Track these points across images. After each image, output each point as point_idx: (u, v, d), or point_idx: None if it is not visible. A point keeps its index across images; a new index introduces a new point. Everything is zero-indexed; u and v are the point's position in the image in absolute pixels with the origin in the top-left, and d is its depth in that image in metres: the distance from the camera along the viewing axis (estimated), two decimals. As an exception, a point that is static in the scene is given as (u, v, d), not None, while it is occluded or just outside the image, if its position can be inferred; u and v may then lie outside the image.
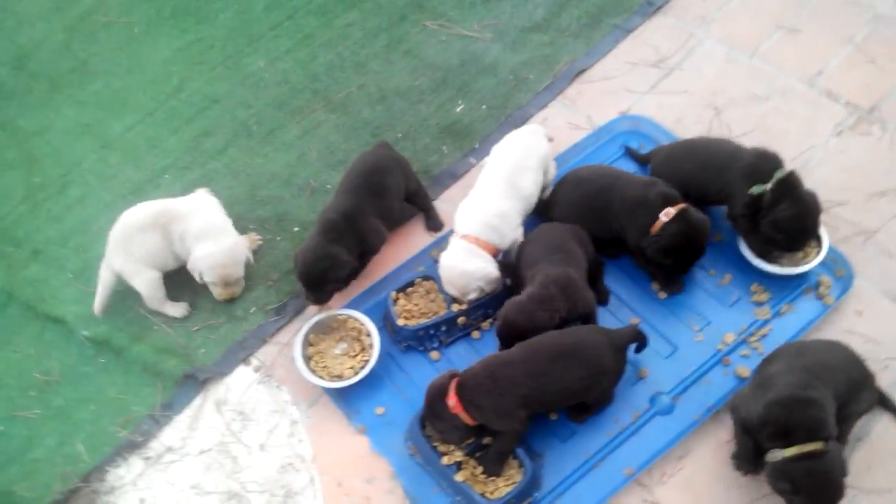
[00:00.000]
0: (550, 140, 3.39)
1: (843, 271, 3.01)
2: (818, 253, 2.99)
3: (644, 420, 2.79)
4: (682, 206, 2.91)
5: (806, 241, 2.96)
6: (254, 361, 3.16)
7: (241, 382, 3.11)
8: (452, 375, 2.68)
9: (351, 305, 3.19)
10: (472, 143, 3.73)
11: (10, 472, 2.96)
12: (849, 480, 2.39)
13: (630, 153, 3.50)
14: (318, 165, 3.74)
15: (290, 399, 3.04)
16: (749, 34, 3.86)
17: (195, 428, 3.00)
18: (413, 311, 3.12)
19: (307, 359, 3.02)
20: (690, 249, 2.93)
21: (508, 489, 2.63)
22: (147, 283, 3.24)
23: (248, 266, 3.33)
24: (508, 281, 3.09)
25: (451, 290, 3.02)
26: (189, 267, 3.22)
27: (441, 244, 3.30)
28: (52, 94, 4.22)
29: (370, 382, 2.97)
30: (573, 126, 3.69)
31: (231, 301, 3.28)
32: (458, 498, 2.67)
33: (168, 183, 3.76)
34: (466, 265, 2.95)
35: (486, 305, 3.05)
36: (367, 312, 3.14)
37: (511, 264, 3.09)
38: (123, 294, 3.37)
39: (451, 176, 3.62)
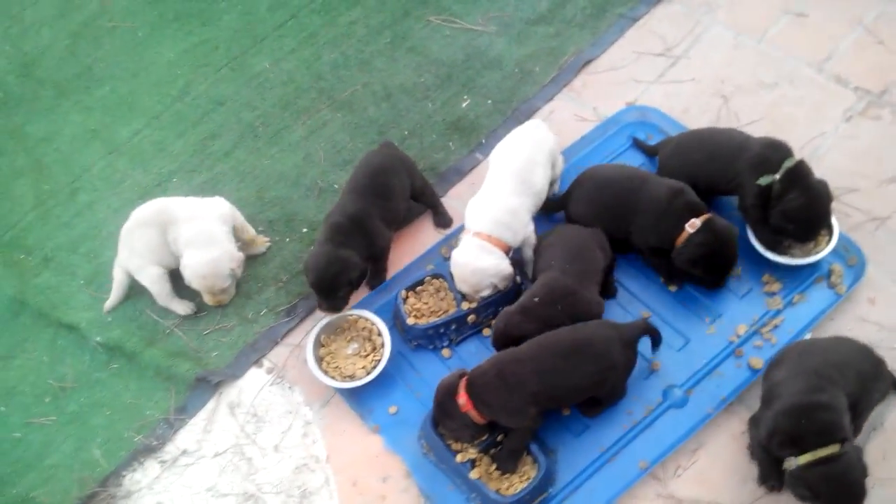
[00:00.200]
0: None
1: (856, 259, 2.98)
2: (829, 242, 2.96)
3: (657, 413, 2.77)
4: (707, 216, 2.87)
5: (817, 231, 2.93)
6: (266, 363, 3.17)
7: (253, 384, 3.12)
8: (461, 374, 2.68)
9: (361, 305, 3.19)
10: (478, 138, 3.72)
11: (28, 478, 2.99)
12: (863, 470, 2.37)
13: (638, 144, 3.47)
14: (325, 165, 3.74)
15: (303, 400, 3.04)
16: (756, 19, 3.82)
17: (209, 431, 3.02)
18: (423, 309, 3.11)
19: (319, 360, 3.03)
20: (719, 260, 2.89)
21: (523, 485, 2.63)
22: (151, 278, 3.27)
23: (243, 273, 3.34)
24: (519, 279, 3.08)
25: (464, 288, 3.02)
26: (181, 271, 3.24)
27: (450, 241, 3.31)
28: (58, 101, 4.24)
29: (382, 382, 2.98)
30: (580, 118, 3.67)
31: (220, 306, 3.31)
32: (473, 495, 2.67)
33: (176, 187, 3.77)
34: (479, 262, 2.95)
35: (497, 303, 3.03)
36: (378, 312, 3.14)
37: (521, 262, 3.08)
38: (135, 299, 3.40)
39: (458, 172, 3.61)
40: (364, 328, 3.10)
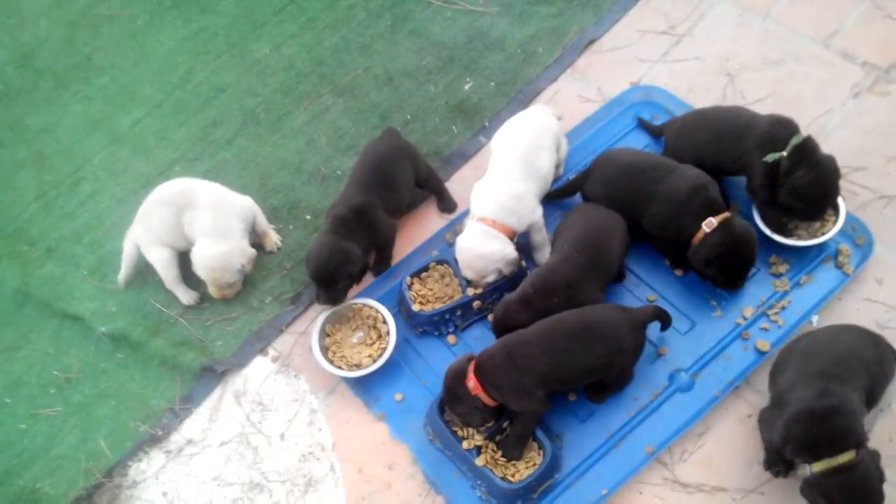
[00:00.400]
0: (559, 118, 3.33)
1: (863, 239, 2.94)
2: (835, 222, 2.92)
3: (664, 397, 2.76)
4: (725, 215, 2.81)
5: (826, 208, 2.89)
6: (271, 352, 3.16)
7: (259, 373, 3.11)
8: (470, 358, 2.67)
9: (365, 293, 3.18)
10: (481, 121, 3.68)
11: (34, 469, 3.00)
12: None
13: (643, 124, 3.43)
14: (328, 151, 3.71)
15: (309, 388, 3.04)
16: (761, -5, 3.76)
17: (215, 420, 3.02)
18: (428, 295, 3.10)
19: (325, 349, 3.02)
20: (734, 262, 2.82)
21: (529, 471, 2.62)
22: (160, 260, 3.27)
23: (254, 268, 3.32)
24: (525, 263, 3.05)
25: (469, 273, 2.99)
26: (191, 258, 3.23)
27: (455, 226, 3.28)
28: (58, 91, 4.21)
29: (388, 369, 2.96)
30: (584, 99, 3.62)
31: (224, 299, 3.29)
32: (479, 482, 2.67)
33: (178, 175, 3.70)
34: (484, 247, 2.92)
35: (502, 289, 3.01)
36: (382, 299, 3.13)
37: (528, 247, 3.06)
38: (139, 288, 3.39)
39: (462, 156, 3.58)
40: (369, 316, 3.09)
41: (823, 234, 2.91)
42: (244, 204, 3.32)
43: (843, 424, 2.26)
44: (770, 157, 2.86)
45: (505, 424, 2.73)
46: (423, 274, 3.17)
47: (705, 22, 3.73)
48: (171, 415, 3.04)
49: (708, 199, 2.85)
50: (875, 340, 2.53)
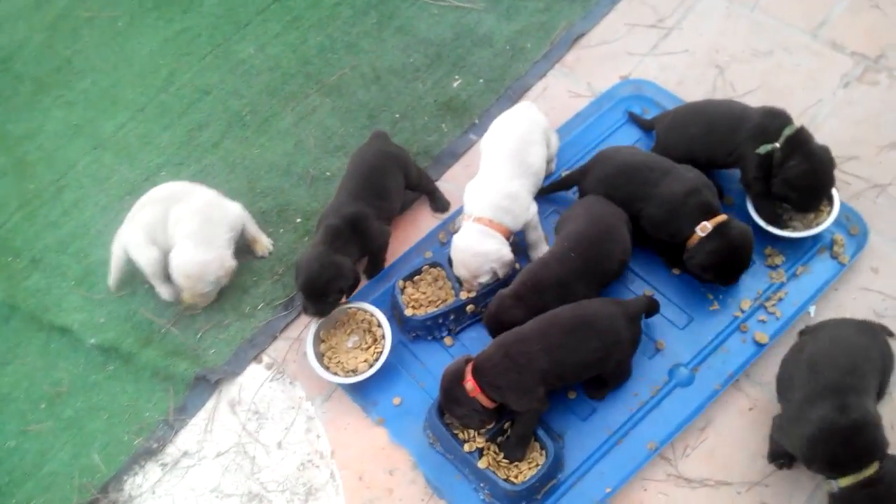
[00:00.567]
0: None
1: (858, 228, 2.94)
2: (830, 213, 2.91)
3: (664, 393, 2.75)
4: (720, 219, 2.78)
5: (821, 198, 2.88)
6: (265, 359, 3.12)
7: (253, 381, 3.07)
8: (467, 360, 2.64)
9: (359, 296, 3.13)
10: (471, 119, 3.64)
11: (26, 487, 2.94)
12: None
13: (634, 119, 3.41)
14: (317, 152, 3.66)
15: (305, 395, 3.00)
16: (749, -15, 3.75)
17: (210, 430, 2.97)
18: (421, 299, 3.06)
19: (320, 356, 2.98)
20: (731, 266, 2.81)
21: (532, 472, 2.60)
22: (147, 259, 3.20)
23: (238, 266, 3.26)
24: (518, 266, 3.02)
25: (462, 273, 2.96)
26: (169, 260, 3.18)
27: (448, 226, 3.25)
28: (38, 96, 4.14)
29: (385, 373, 2.93)
30: (574, 94, 3.60)
31: (192, 310, 3.22)
32: (482, 484, 2.64)
33: (165, 180, 3.63)
34: (480, 246, 2.89)
35: (495, 291, 2.97)
36: (376, 302, 3.09)
37: (525, 247, 3.05)
38: (128, 298, 3.34)
39: (453, 155, 3.54)
40: (363, 320, 3.05)
41: (818, 224, 2.90)
42: (235, 212, 3.26)
43: (867, 440, 2.23)
44: (763, 149, 2.85)
45: (506, 426, 2.70)
46: (416, 277, 3.13)
47: (693, 14, 3.71)
48: (166, 426, 2.99)
49: (702, 203, 2.82)
50: (872, 332, 2.52)
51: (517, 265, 3.02)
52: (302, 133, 3.75)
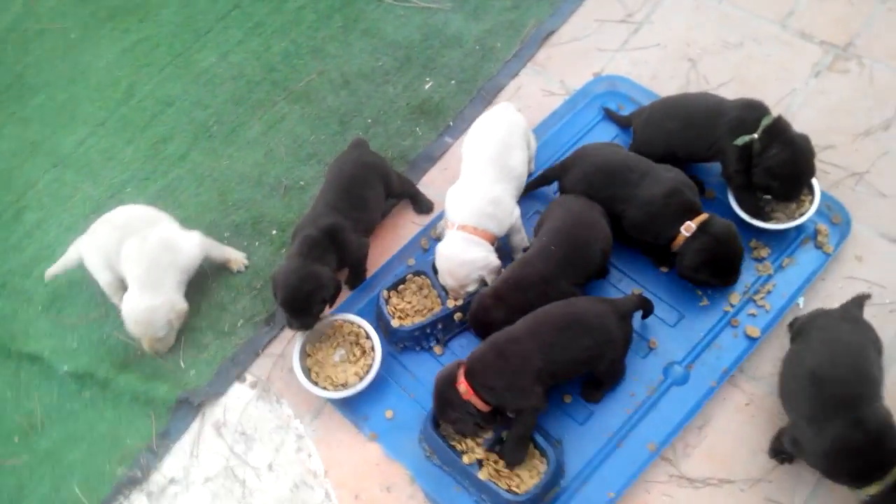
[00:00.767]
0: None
1: (839, 217, 2.96)
2: (811, 202, 2.93)
3: (660, 392, 2.73)
4: (702, 217, 2.77)
5: (802, 186, 2.89)
6: (248, 377, 3.02)
7: (238, 401, 2.97)
8: (459, 364, 2.58)
9: (344, 307, 3.06)
10: (445, 121, 3.59)
11: (5, 526, 2.81)
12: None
13: (609, 115, 3.39)
14: (288, 161, 3.57)
15: (293, 413, 2.91)
16: (715, -22, 3.76)
17: (196, 455, 2.86)
18: (407, 309, 2.99)
19: (307, 371, 2.89)
20: (723, 262, 2.79)
21: (534, 480, 2.55)
22: (104, 282, 3.11)
23: (214, 283, 3.19)
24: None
25: (449, 281, 2.90)
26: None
27: (429, 232, 3.20)
28: (-10, 114, 3.97)
29: (375, 386, 2.85)
30: (547, 93, 3.57)
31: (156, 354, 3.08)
32: (483, 496, 2.59)
33: (131, 196, 3.55)
34: (467, 254, 2.84)
35: (482, 297, 2.94)
36: (361, 313, 3.02)
37: (506, 251, 3.00)
38: (100, 321, 3.21)
39: (429, 159, 3.48)
40: (350, 332, 2.97)
41: (801, 215, 2.91)
42: (188, 252, 3.09)
43: (888, 447, 2.22)
44: (741, 140, 2.85)
45: (504, 434, 2.65)
46: (401, 287, 3.05)
47: (662, 8, 3.71)
48: (149, 453, 2.87)
49: (683, 203, 2.80)
50: (856, 320, 2.52)
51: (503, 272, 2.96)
52: (272, 142, 3.65)
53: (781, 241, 2.94)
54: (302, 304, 2.82)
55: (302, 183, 3.48)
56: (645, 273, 2.98)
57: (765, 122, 2.84)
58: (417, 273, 3.06)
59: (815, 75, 3.37)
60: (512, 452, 2.60)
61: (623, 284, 2.97)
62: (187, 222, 3.38)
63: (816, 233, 2.94)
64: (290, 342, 3.03)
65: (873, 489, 2.23)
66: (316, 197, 3.08)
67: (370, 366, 2.86)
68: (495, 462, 2.62)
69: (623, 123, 3.34)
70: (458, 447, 2.65)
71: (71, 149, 3.79)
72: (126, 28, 4.21)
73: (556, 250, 2.75)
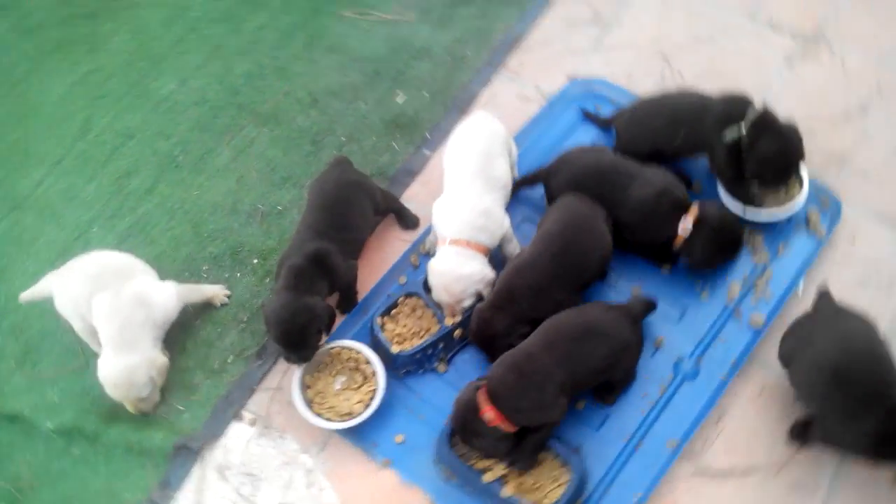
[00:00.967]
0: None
1: (828, 200, 3.00)
2: (801, 187, 2.96)
3: (672, 389, 2.70)
4: (694, 210, 2.79)
5: (794, 172, 2.91)
6: (246, 415, 2.88)
7: (238, 441, 2.83)
8: (476, 388, 2.50)
9: (338, 334, 2.94)
10: (421, 134, 3.52)
11: None
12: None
13: (589, 117, 3.37)
14: (262, 186, 3.44)
15: (299, 447, 2.79)
16: (680, -28, 3.78)
17: (201, 502, 2.72)
18: (404, 333, 2.90)
19: (308, 402, 2.78)
20: (730, 243, 2.84)
21: (560, 490, 2.49)
22: (76, 326, 2.93)
23: (199, 321, 3.04)
24: None
25: (446, 298, 2.82)
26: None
27: (418, 247, 3.12)
28: (-64, 161, 3.73)
29: (381, 411, 2.75)
30: (523, 99, 3.53)
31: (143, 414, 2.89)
32: (509, 513, 2.52)
33: (98, 237, 3.37)
34: (462, 269, 2.77)
35: (480, 311, 2.88)
36: (357, 337, 2.92)
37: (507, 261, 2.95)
38: (80, 372, 3.02)
39: (409, 173, 3.40)
40: (349, 359, 2.86)
41: (791, 202, 2.93)
42: (163, 306, 2.89)
43: None
44: (730, 134, 2.86)
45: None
46: (394, 311, 2.95)
47: (630, 7, 3.72)
48: (151, 506, 2.72)
49: (674, 201, 2.82)
50: (853, 315, 2.52)
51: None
52: (242, 168, 3.52)
53: (774, 228, 2.96)
54: (298, 339, 2.71)
55: (279, 208, 3.36)
56: (643, 271, 2.96)
57: (751, 114, 2.85)
58: (409, 294, 2.97)
59: (789, 65, 3.42)
60: (526, 457, 2.54)
61: (621, 284, 2.94)
62: (162, 258, 3.25)
63: (808, 218, 2.97)
64: (286, 374, 2.92)
65: None
66: (298, 222, 2.97)
67: (374, 391, 2.77)
68: (518, 477, 2.55)
69: (603, 125, 3.32)
70: (478, 465, 2.57)
71: (28, 191, 3.58)
72: (75, 59, 4.02)
73: (549, 259, 2.70)
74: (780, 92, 3.35)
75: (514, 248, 2.99)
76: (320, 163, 3.45)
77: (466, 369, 2.84)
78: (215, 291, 3.11)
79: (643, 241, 2.90)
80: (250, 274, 3.22)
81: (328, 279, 2.83)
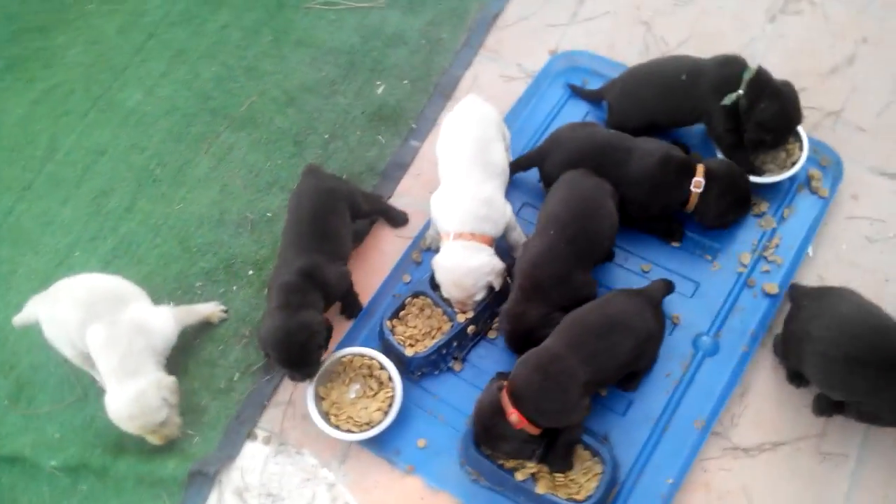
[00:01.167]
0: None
1: (828, 158, 2.96)
2: (800, 148, 2.91)
3: (695, 367, 2.66)
4: (702, 168, 2.74)
5: (793, 132, 2.87)
6: (260, 433, 2.79)
7: (254, 461, 2.74)
8: (499, 387, 2.44)
9: (347, 341, 2.87)
10: (407, 124, 3.41)
11: None
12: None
13: (577, 92, 3.29)
14: (248, 194, 3.32)
15: (318, 461, 2.71)
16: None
17: (224, 528, 2.64)
18: (415, 335, 2.82)
19: (324, 415, 2.69)
20: (742, 196, 2.80)
21: (594, 483, 2.45)
22: (67, 353, 2.80)
23: (198, 340, 2.92)
24: (509, 278, 2.83)
25: (456, 293, 2.74)
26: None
27: (419, 244, 3.03)
28: None
29: (399, 416, 2.68)
30: (507, 78, 3.44)
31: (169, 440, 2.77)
32: (544, 510, 2.47)
33: (81, 261, 3.24)
34: (470, 262, 2.69)
35: (493, 305, 2.81)
36: (366, 342, 2.85)
37: (513, 249, 2.88)
38: (81, 403, 2.92)
39: (399, 166, 3.30)
40: (361, 366, 2.78)
41: (793, 163, 2.89)
42: (162, 331, 2.77)
43: None
44: (728, 99, 2.80)
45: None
46: (402, 313, 2.87)
47: (604, -26, 3.62)
48: (171, 538, 2.63)
49: (680, 164, 2.76)
50: (840, 290, 2.49)
51: (508, 279, 2.82)
52: (225, 176, 3.39)
53: (778, 193, 2.92)
54: (299, 358, 2.62)
55: (269, 214, 3.25)
56: (649, 247, 2.91)
57: (747, 76, 2.79)
58: (416, 294, 2.89)
59: (771, 20, 3.36)
60: (561, 460, 2.49)
61: (631, 263, 2.89)
62: (152, 278, 3.13)
63: (809, 178, 2.93)
64: (298, 387, 2.83)
65: None
66: (280, 243, 2.86)
67: (392, 397, 2.69)
68: (548, 473, 2.50)
69: (593, 98, 3.25)
70: (508, 465, 2.52)
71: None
72: (31, 77, 3.83)
73: (565, 245, 2.62)
74: (766, 49, 3.29)
75: (518, 235, 2.91)
76: (305, 164, 3.29)
77: (483, 365, 2.78)
78: (211, 309, 3.00)
79: (654, 213, 2.83)
80: (246, 286, 3.11)
81: (321, 292, 2.73)
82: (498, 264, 2.74)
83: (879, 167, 2.97)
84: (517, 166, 3.06)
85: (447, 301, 2.81)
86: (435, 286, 2.83)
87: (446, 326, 2.80)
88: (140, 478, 2.73)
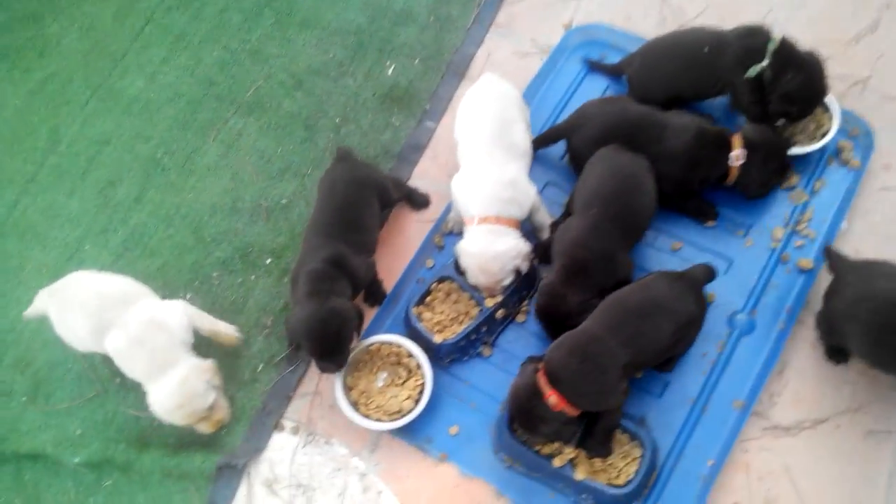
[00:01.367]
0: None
1: (858, 129, 2.91)
2: (830, 118, 2.85)
3: (731, 346, 2.62)
4: (737, 139, 2.70)
5: (819, 103, 2.81)
6: (287, 424, 2.74)
7: (283, 452, 2.69)
8: (535, 370, 2.38)
9: (372, 329, 2.80)
10: (421, 105, 3.32)
11: None
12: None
13: (596, 67, 3.21)
14: (261, 181, 3.23)
15: (348, 451, 2.66)
16: None
17: (255, 522, 2.59)
18: (443, 320, 2.75)
19: (354, 405, 2.63)
20: (783, 160, 2.79)
21: (633, 467, 2.41)
22: (79, 351, 2.74)
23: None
24: (536, 260, 2.78)
25: (483, 279, 2.67)
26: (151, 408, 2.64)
27: (441, 228, 2.97)
28: None
29: (430, 404, 2.62)
30: (521, 54, 3.35)
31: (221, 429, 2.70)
32: (584, 496, 2.42)
33: (92, 255, 3.15)
34: (496, 247, 2.62)
35: (521, 289, 2.75)
36: (393, 328, 2.80)
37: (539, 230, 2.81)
38: (102, 397, 2.85)
39: (415, 148, 3.22)
40: (389, 354, 2.72)
41: (823, 134, 2.84)
42: (177, 325, 2.65)
43: None
44: (753, 71, 2.74)
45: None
46: (428, 299, 2.81)
47: (617, -57, 3.52)
48: (200, 533, 2.57)
49: (717, 136, 2.72)
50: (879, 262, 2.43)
51: (535, 261, 2.77)
52: (235, 163, 3.30)
53: (808, 166, 2.86)
54: (334, 346, 2.55)
55: (284, 201, 3.16)
56: (679, 224, 2.84)
57: (770, 46, 2.72)
58: (441, 279, 2.82)
59: (791, -13, 3.29)
60: (601, 446, 2.44)
61: (661, 241, 2.83)
62: (166, 269, 3.06)
63: (839, 150, 2.88)
64: (323, 376, 2.77)
65: None
66: (306, 225, 2.79)
67: (422, 385, 2.64)
68: (586, 457, 2.45)
69: (613, 72, 3.17)
70: (544, 451, 2.47)
71: (4, 214, 3.31)
72: (26, 67, 3.70)
73: (610, 222, 2.55)
74: (787, 18, 3.22)
75: (543, 216, 2.84)
76: (317, 149, 3.26)
77: (513, 349, 2.72)
78: (227, 330, 2.82)
79: (691, 188, 2.77)
80: (265, 275, 3.03)
81: (348, 280, 2.65)
82: (525, 247, 2.68)
83: (910, 136, 2.92)
84: (543, 140, 2.98)
85: (474, 286, 2.74)
86: (460, 271, 2.76)
87: (474, 311, 2.74)
88: (166, 472, 2.67)
